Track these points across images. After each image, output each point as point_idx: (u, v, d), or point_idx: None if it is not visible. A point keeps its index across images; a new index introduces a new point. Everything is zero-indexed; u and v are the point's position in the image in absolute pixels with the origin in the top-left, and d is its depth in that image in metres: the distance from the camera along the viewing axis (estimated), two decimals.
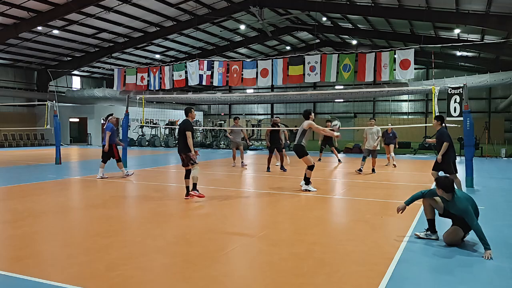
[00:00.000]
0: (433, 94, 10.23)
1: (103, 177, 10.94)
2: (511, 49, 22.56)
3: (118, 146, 11.47)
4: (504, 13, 17.84)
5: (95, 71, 34.69)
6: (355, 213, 7.11)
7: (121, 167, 11.39)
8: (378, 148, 12.83)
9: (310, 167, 9.00)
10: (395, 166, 14.60)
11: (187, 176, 8.17)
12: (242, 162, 14.51)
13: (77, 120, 33.19)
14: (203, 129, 29.33)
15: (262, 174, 12.51)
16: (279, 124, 13.81)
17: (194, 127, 18.72)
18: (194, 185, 7.97)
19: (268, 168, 13.27)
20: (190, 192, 7.99)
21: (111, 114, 11.38)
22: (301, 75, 17.82)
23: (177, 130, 29.97)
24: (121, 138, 15.95)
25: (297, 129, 9.42)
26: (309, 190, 9.00)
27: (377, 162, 13.39)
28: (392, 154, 15.11)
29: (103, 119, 30.58)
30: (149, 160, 18.44)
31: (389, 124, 15.82)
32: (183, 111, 8.60)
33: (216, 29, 27.43)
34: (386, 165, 15.05)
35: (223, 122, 33.86)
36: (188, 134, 7.94)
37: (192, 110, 8.42)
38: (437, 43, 23.62)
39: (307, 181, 9.08)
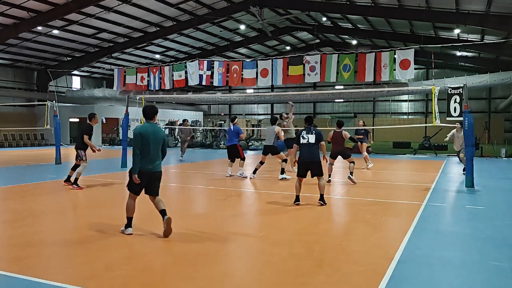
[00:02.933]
0: (433, 94, 10.22)
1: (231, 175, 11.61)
2: (511, 49, 22.53)
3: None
4: (504, 13, 17.82)
5: (95, 71, 34.66)
6: (355, 213, 7.11)
7: (241, 165, 11.80)
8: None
9: (284, 160, 11.15)
10: (368, 168, 13.59)
11: (74, 168, 9.50)
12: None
13: (77, 120, 33.17)
14: (203, 129, 29.32)
15: (262, 174, 12.50)
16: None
17: (194, 127, 18.86)
18: (76, 179, 9.26)
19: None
20: (72, 185, 9.22)
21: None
22: (301, 75, 17.82)
23: (177, 130, 29.72)
24: (121, 138, 15.91)
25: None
26: (285, 178, 10.82)
27: (359, 166, 13.30)
28: (365, 153, 14.20)
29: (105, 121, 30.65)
30: None
31: (360, 121, 15.01)
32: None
33: (216, 29, 27.41)
34: (363, 168, 13.61)
35: (223, 122, 33.84)
36: (85, 137, 9.26)
37: (95, 116, 9.62)
38: (437, 43, 23.60)
39: (282, 171, 10.98)
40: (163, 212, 5.50)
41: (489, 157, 19.05)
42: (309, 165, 7.48)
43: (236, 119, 12.09)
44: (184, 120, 18.80)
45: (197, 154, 21.44)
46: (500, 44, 21.21)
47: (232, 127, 11.66)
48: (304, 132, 7.62)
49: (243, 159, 11.63)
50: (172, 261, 4.52)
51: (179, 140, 20.16)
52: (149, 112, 5.78)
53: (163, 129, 7.85)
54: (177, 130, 30.90)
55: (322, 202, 7.47)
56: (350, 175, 10.45)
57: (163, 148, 5.83)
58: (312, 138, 7.52)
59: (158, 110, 6.01)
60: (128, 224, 5.55)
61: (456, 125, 12.29)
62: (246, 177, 11.24)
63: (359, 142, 14.35)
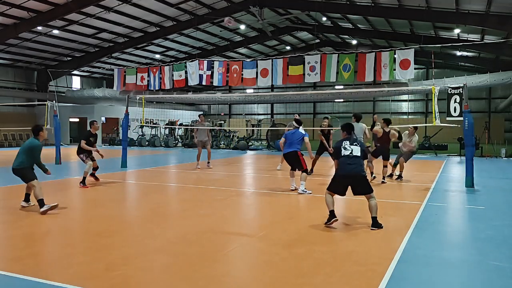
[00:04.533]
0: (433, 94, 10.21)
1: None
2: (511, 49, 22.53)
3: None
4: (504, 13, 17.82)
5: (95, 71, 34.66)
6: (355, 213, 7.11)
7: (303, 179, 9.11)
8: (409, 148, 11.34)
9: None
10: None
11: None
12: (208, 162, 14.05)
13: (77, 120, 33.17)
14: (196, 129, 29.25)
15: (262, 174, 12.50)
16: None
17: (194, 127, 17.65)
18: (83, 178, 9.60)
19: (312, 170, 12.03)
20: (80, 183, 9.57)
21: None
22: (301, 75, 17.82)
23: (177, 130, 29.58)
24: (121, 138, 15.85)
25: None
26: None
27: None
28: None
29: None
30: (149, 160, 18.43)
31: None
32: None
33: (216, 29, 27.40)
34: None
35: (223, 122, 33.84)
36: (82, 142, 9.74)
37: (95, 123, 10.15)
38: (437, 43, 23.59)
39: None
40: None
41: (489, 157, 19.05)
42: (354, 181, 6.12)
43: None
44: (199, 116, 15.17)
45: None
46: (500, 44, 21.20)
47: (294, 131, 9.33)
48: (347, 143, 6.25)
49: (305, 170, 9.05)
50: (172, 261, 4.51)
51: (194, 142, 15.20)
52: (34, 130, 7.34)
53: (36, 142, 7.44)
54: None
55: (375, 228, 5.88)
56: (384, 180, 10.36)
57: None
58: (357, 151, 6.16)
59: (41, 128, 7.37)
60: None
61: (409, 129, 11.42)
62: (311, 193, 8.90)
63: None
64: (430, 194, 8.88)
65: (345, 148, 6.20)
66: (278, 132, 24.97)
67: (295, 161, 8.99)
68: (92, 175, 10.20)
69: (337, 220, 6.08)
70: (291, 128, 9.56)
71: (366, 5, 21.15)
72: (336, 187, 6.25)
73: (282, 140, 9.38)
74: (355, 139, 6.39)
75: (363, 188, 6.09)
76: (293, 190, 9.09)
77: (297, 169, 9.06)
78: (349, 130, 6.47)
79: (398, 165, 11.24)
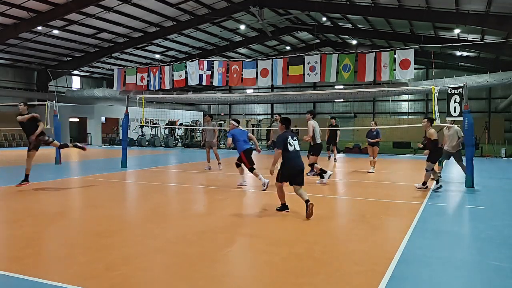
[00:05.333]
0: (433, 94, 10.22)
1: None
2: (511, 49, 22.54)
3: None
4: (504, 13, 17.83)
5: (95, 71, 34.67)
6: (355, 213, 7.11)
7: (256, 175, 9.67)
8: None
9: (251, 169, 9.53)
10: (370, 172, 12.81)
11: None
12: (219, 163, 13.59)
13: (77, 120, 33.18)
14: (203, 129, 29.26)
15: (262, 174, 12.48)
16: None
17: (194, 127, 17.72)
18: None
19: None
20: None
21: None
22: (301, 75, 17.81)
23: (177, 130, 29.59)
24: (121, 138, 15.81)
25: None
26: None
27: (359, 167, 13.26)
28: (375, 159, 13.19)
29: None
30: (149, 160, 18.43)
31: (372, 123, 13.74)
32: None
33: (216, 29, 27.42)
34: (369, 172, 12.95)
35: (223, 122, 33.85)
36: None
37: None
38: (437, 43, 23.60)
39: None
40: None
41: (489, 157, 19.05)
42: (300, 173, 6.83)
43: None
44: (205, 116, 14.96)
45: (197, 154, 21.43)
46: (500, 44, 21.21)
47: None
48: (290, 138, 6.81)
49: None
50: (172, 261, 4.52)
51: (204, 144, 15.29)
52: None
53: None
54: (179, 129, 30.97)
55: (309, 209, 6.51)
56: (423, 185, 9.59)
57: None
58: (297, 145, 6.91)
59: None
60: None
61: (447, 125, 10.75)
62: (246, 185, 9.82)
63: (370, 146, 13.34)
64: (430, 194, 8.88)
65: (290, 144, 6.83)
66: (278, 132, 24.93)
67: (251, 157, 9.49)
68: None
69: (287, 209, 6.99)
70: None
71: (366, 5, 21.16)
72: (285, 178, 6.90)
73: (231, 139, 9.59)
74: (294, 134, 7.06)
75: (301, 179, 6.87)
76: (243, 185, 9.76)
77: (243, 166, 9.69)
78: (288, 124, 7.09)
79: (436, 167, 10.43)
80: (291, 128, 7.21)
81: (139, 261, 4.43)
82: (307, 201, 6.56)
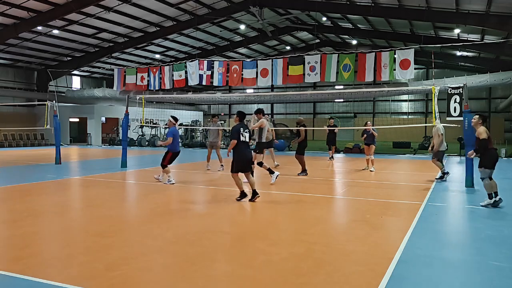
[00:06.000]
0: (433, 94, 10.22)
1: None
2: (511, 49, 22.53)
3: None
4: (504, 13, 17.83)
5: (95, 71, 34.67)
6: (355, 213, 7.11)
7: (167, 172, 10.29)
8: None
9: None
10: (370, 171, 13.10)
11: None
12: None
13: (77, 120, 33.18)
14: (203, 129, 29.30)
15: (261, 174, 12.49)
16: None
17: (194, 127, 17.84)
18: None
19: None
20: None
21: None
22: (301, 75, 17.80)
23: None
24: (121, 138, 15.78)
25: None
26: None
27: (359, 167, 13.34)
28: (372, 156, 13.47)
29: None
30: (149, 160, 18.43)
31: (368, 122, 13.90)
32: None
33: (216, 29, 27.42)
34: (363, 169, 13.50)
35: (223, 122, 33.85)
36: None
37: None
38: (437, 43, 23.60)
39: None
40: None
41: None
42: (249, 162, 7.93)
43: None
44: (212, 116, 14.46)
45: (197, 154, 21.44)
46: (500, 44, 21.21)
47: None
48: (242, 130, 7.70)
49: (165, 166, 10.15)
50: (172, 261, 4.52)
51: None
52: None
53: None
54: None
55: (254, 198, 7.77)
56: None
57: None
58: (247, 137, 7.78)
59: None
60: None
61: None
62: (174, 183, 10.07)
63: (365, 145, 13.64)
64: (430, 194, 8.89)
65: (242, 135, 7.63)
66: (278, 132, 24.96)
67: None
68: None
69: (246, 196, 7.75)
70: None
71: (366, 5, 21.16)
72: (238, 168, 7.71)
73: (170, 138, 10.06)
74: (246, 126, 7.87)
75: (250, 167, 7.95)
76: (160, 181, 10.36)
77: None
78: (242, 117, 7.91)
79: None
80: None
81: (139, 261, 4.43)
82: (254, 190, 7.73)
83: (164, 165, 10.12)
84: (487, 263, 4.47)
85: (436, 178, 10.99)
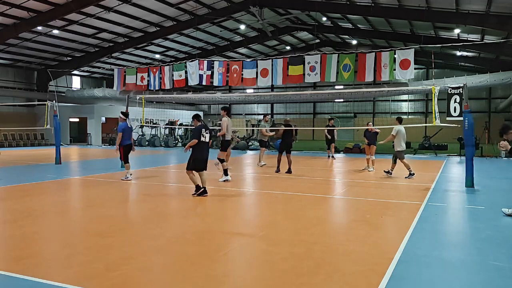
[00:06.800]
0: (433, 94, 10.22)
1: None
2: (511, 49, 22.53)
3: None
4: (504, 13, 17.83)
5: (95, 71, 34.67)
6: (355, 213, 7.11)
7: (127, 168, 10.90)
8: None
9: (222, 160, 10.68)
10: (369, 171, 13.19)
11: None
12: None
13: (77, 120, 33.18)
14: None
15: (261, 174, 12.49)
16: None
17: (194, 127, 18.09)
18: None
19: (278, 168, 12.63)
20: None
21: None
22: (301, 75, 17.82)
23: (177, 130, 29.53)
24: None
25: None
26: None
27: (359, 167, 13.47)
28: (373, 157, 13.60)
29: None
30: (149, 160, 18.43)
31: (369, 123, 13.99)
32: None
33: (216, 29, 27.42)
34: (363, 169, 13.57)
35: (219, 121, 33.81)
36: None
37: None
38: (437, 43, 23.60)
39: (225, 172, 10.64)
40: None
41: (489, 157, 19.05)
42: (205, 162, 8.30)
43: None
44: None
45: None
46: (500, 44, 21.20)
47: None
48: (204, 130, 8.17)
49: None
50: (172, 261, 4.52)
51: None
52: None
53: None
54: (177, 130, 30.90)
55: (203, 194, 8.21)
56: None
57: None
58: (208, 137, 8.27)
59: None
60: None
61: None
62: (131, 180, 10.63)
63: (367, 145, 13.71)
64: (430, 194, 8.88)
65: (203, 135, 8.11)
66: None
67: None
68: None
69: (201, 189, 8.15)
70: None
71: (366, 5, 21.16)
72: (194, 166, 8.13)
73: (120, 134, 10.51)
74: (207, 127, 8.34)
75: (205, 166, 8.28)
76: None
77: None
78: (199, 119, 8.47)
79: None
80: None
81: (139, 261, 4.43)
82: (204, 188, 8.18)
83: (124, 161, 10.84)
84: (487, 263, 4.47)
85: (405, 177, 11.33)
